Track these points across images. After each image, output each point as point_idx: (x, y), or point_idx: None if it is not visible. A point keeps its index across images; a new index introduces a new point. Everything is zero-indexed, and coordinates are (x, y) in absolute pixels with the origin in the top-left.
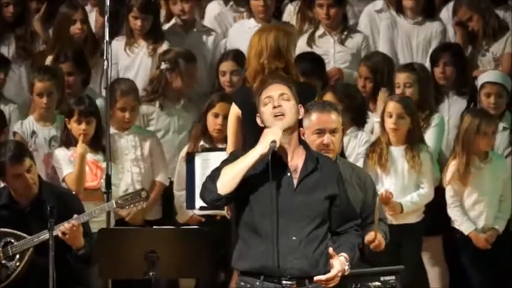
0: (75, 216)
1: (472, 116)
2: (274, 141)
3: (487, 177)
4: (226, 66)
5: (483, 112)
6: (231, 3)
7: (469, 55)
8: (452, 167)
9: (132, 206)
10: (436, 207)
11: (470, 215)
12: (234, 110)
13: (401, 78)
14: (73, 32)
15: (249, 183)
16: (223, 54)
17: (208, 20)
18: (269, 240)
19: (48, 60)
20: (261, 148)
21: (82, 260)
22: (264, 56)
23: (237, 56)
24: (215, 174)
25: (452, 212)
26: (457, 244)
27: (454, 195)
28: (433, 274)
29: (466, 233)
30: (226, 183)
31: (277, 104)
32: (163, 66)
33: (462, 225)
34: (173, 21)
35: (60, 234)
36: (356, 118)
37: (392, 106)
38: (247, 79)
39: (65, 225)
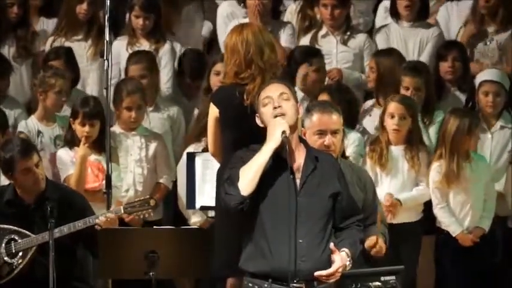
0: (78, 221)
1: (460, 117)
2: (284, 132)
3: (470, 178)
4: (223, 66)
5: (470, 112)
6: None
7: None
8: (437, 167)
9: (139, 213)
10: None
11: (456, 215)
12: (213, 111)
13: (411, 82)
14: (78, 11)
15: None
16: (220, 55)
17: (221, 19)
18: (279, 243)
19: (49, 41)
20: (274, 142)
21: None
22: (266, 53)
23: None
24: (232, 178)
25: (439, 212)
26: (441, 243)
27: (440, 196)
28: (422, 273)
29: (454, 234)
30: (248, 184)
31: (277, 104)
32: None
33: (450, 226)
34: None
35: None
36: (348, 119)
37: (395, 107)
38: (237, 77)
39: (101, 219)
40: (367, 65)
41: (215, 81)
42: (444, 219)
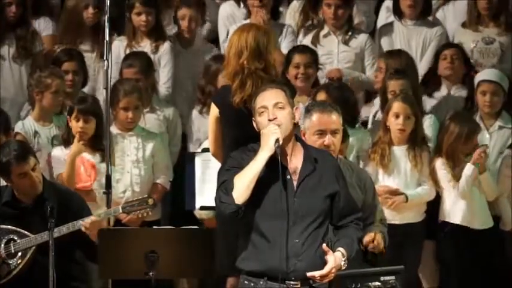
0: (78, 221)
1: (460, 124)
2: (277, 140)
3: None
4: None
5: (470, 119)
6: (242, 5)
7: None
8: (441, 166)
9: (138, 212)
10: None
11: (459, 205)
12: (214, 111)
13: (396, 85)
14: (85, 16)
15: (254, 186)
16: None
17: (221, 20)
18: (274, 243)
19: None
20: (267, 151)
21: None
22: (244, 56)
23: None
24: (227, 186)
25: (450, 192)
26: (444, 238)
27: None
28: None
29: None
30: (242, 193)
31: (272, 116)
32: None
33: (466, 180)
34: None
35: (83, 229)
36: (347, 119)
37: (400, 106)
38: (227, 77)
39: (86, 221)
40: (368, 65)
41: (222, 83)
42: (462, 187)
